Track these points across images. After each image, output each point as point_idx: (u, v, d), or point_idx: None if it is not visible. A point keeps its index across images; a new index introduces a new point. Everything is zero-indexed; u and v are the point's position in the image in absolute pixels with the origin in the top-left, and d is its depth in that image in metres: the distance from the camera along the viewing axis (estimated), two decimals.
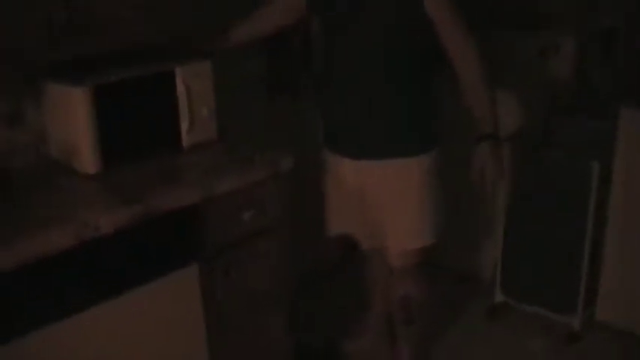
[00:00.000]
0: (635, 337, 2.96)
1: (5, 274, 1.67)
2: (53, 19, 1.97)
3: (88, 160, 2.09)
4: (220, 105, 2.44)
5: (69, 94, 2.07)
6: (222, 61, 2.68)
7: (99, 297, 1.88)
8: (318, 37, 2.87)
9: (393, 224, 2.43)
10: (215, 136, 2.35)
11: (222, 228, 2.13)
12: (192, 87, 2.25)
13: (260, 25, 2.53)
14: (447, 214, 2.48)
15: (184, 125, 2.26)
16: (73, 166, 2.14)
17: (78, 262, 1.83)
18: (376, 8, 2.20)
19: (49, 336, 1.79)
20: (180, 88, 2.22)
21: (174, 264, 2.04)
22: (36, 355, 1.78)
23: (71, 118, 2.09)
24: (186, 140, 2.28)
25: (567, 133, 3.11)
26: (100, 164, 2.10)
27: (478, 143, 2.27)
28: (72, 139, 2.11)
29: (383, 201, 2.40)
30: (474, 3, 2.80)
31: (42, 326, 1.77)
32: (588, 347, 2.99)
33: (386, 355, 2.86)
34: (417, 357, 2.77)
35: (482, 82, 2.25)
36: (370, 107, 2.30)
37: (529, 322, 3.12)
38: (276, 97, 3.08)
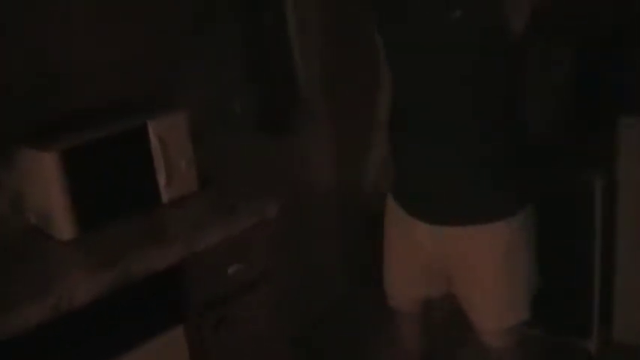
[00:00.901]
0: None
1: None
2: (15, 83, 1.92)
3: (62, 226, 2.03)
4: (208, 147, 2.39)
5: (39, 160, 2.01)
6: (208, 99, 2.64)
7: None
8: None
9: (476, 300, 2.06)
10: (195, 187, 2.28)
11: (207, 284, 2.06)
12: (167, 140, 2.18)
13: None
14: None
15: (162, 180, 2.19)
16: (50, 232, 2.07)
17: (56, 334, 1.75)
18: (460, 32, 1.79)
19: None
20: (154, 142, 2.15)
21: (158, 327, 1.97)
22: None
23: (43, 184, 2.03)
24: (165, 195, 2.21)
25: (568, 147, 3.01)
26: (75, 229, 2.03)
27: None
28: (46, 205, 2.05)
29: (465, 274, 2.04)
30: None
31: None
32: None
33: None
34: None
35: None
36: (454, 158, 1.90)
37: (545, 348, 3.01)
38: (266, 134, 3.01)
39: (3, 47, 2.06)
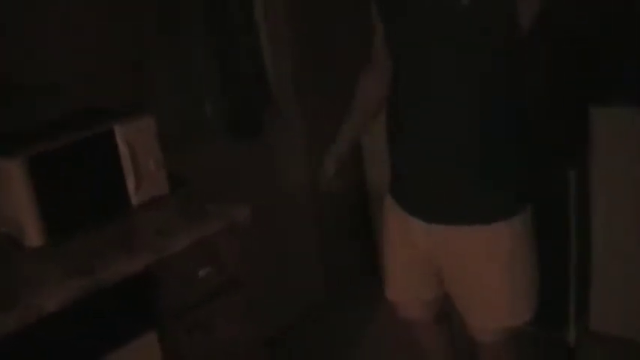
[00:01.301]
0: (633, 343, 2.85)
1: None
2: None
3: (31, 234, 2.00)
4: (178, 151, 2.38)
5: (5, 167, 1.98)
6: (178, 105, 2.63)
7: None
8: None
9: (475, 300, 2.03)
10: (166, 190, 2.26)
11: (179, 289, 2.04)
12: (135, 144, 2.16)
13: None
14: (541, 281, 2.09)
15: (131, 184, 2.17)
16: (19, 240, 2.05)
17: (27, 343, 1.73)
18: (469, 20, 1.72)
19: None
20: (122, 147, 2.14)
21: (131, 333, 1.94)
22: None
23: (10, 192, 2.00)
24: (135, 199, 2.19)
25: (541, 139, 3.02)
26: (44, 236, 2.01)
27: None
28: (14, 213, 2.02)
29: (463, 274, 2.01)
30: None
31: None
32: None
33: None
34: None
35: None
36: (455, 157, 1.85)
37: (523, 340, 3.01)
38: (237, 136, 3.00)
39: None
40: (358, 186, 3.40)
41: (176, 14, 2.67)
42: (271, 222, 2.88)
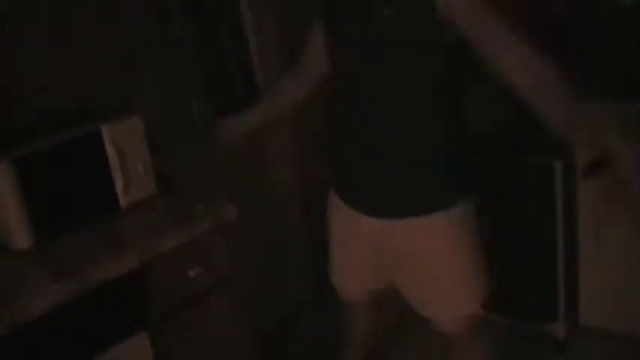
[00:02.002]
0: (622, 337, 2.86)
1: None
2: None
3: (18, 236, 1.99)
4: (165, 150, 2.37)
5: None
6: (165, 105, 2.62)
7: None
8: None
9: (425, 291, 2.07)
10: (154, 191, 2.26)
11: (168, 289, 2.03)
12: (123, 144, 2.15)
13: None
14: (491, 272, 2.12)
15: (119, 185, 2.17)
16: (6, 243, 2.04)
17: (16, 346, 1.72)
18: (395, 29, 1.80)
19: None
20: (110, 148, 2.13)
21: (121, 334, 1.94)
22: None
23: None
24: (123, 200, 2.18)
25: (527, 132, 3.03)
26: (32, 238, 2.00)
27: (587, 177, 1.84)
28: (0, 215, 2.01)
29: (411, 266, 2.04)
30: None
31: None
32: (575, 354, 2.90)
33: None
34: None
35: (556, 85, 1.69)
36: (399, 150, 1.91)
37: (512, 335, 3.03)
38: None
39: None
40: None
41: (163, 14, 2.65)
42: (260, 221, 2.87)
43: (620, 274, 2.82)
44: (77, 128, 2.11)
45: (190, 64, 2.82)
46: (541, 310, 2.94)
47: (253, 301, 2.31)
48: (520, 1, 2.96)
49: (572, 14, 3.05)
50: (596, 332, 2.92)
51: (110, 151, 2.13)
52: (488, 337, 2.27)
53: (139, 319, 1.98)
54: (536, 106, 1.71)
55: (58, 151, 2.04)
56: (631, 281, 2.80)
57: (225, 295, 2.18)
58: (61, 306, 1.78)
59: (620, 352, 2.83)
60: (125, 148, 2.16)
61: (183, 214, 2.13)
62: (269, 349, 2.86)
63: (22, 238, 1.99)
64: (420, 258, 2.00)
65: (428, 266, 2.01)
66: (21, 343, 1.73)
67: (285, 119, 2.29)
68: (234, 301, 2.22)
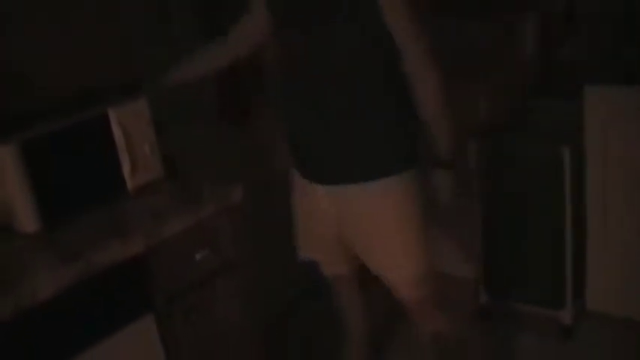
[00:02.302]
0: (629, 322, 2.86)
1: None
2: None
3: (25, 220, 1.99)
4: (172, 136, 2.36)
5: None
6: (170, 90, 2.60)
7: None
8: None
9: (379, 253, 2.23)
10: (160, 174, 2.25)
11: (175, 272, 2.03)
12: (129, 128, 2.14)
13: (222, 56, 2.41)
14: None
15: (126, 168, 2.16)
16: (13, 226, 2.03)
17: (23, 329, 1.71)
18: (340, 20, 1.99)
19: None
20: (117, 131, 2.12)
21: (127, 317, 1.93)
22: None
23: (3, 178, 1.98)
24: (130, 183, 2.18)
25: (535, 119, 3.01)
26: (39, 222, 1.99)
27: (433, 167, 2.19)
28: (7, 199, 2.00)
29: (366, 229, 2.19)
30: None
31: None
32: (582, 339, 2.90)
33: None
34: None
35: (441, 102, 2.08)
36: (340, 125, 2.09)
37: (520, 320, 3.03)
38: (227, 122, 2.98)
39: None
40: None
41: (163, 14, 2.64)
42: (265, 207, 2.87)
43: (628, 260, 2.82)
44: (84, 111, 2.10)
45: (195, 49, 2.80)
46: (548, 296, 2.93)
47: (258, 286, 2.30)
48: None
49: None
50: (603, 318, 2.92)
51: (117, 134, 2.13)
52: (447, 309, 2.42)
53: (145, 302, 1.97)
54: (417, 96, 2.07)
55: (64, 135, 2.03)
56: (638, 268, 2.79)
57: (231, 279, 2.18)
58: (67, 290, 1.77)
59: (626, 337, 2.83)
60: (132, 131, 2.15)
61: (190, 197, 2.13)
62: (273, 333, 2.87)
63: (28, 222, 1.99)
64: (368, 222, 2.17)
65: (376, 230, 2.18)
66: (27, 327, 1.72)
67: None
68: (240, 284, 2.21)
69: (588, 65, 2.93)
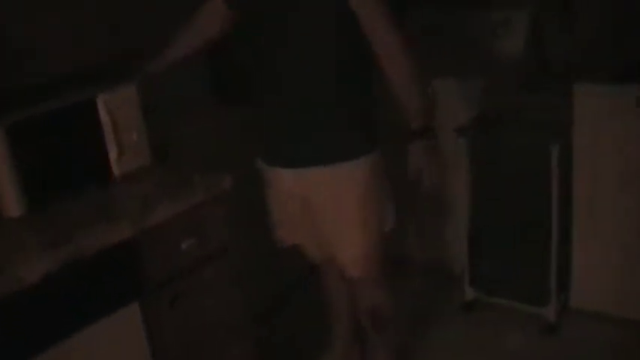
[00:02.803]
0: (612, 318, 2.88)
1: None
2: None
3: (11, 203, 1.96)
4: (162, 120, 2.34)
5: None
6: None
7: (33, 349, 1.75)
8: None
9: (338, 233, 2.33)
10: (148, 161, 2.23)
11: (161, 259, 2.01)
12: (117, 113, 2.12)
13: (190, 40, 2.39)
14: (396, 215, 2.40)
15: (113, 154, 2.14)
16: None
17: (7, 314, 1.69)
18: (305, 7, 2.08)
19: None
20: (104, 116, 2.10)
21: (112, 305, 1.92)
22: None
23: None
24: (117, 169, 2.16)
25: (524, 114, 3.01)
26: (24, 206, 1.97)
27: (410, 141, 2.20)
28: None
29: (326, 210, 2.30)
30: None
31: None
32: (566, 335, 2.91)
33: None
34: None
35: (409, 75, 2.13)
36: (305, 110, 2.18)
37: (504, 315, 3.04)
38: (223, 105, 2.96)
39: None
40: None
41: None
42: (255, 193, 2.85)
43: (612, 258, 2.83)
44: (72, 95, 2.08)
45: None
46: (533, 293, 2.94)
47: (246, 275, 2.29)
48: None
49: None
50: (587, 315, 2.94)
51: (104, 120, 2.11)
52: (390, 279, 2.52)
53: (131, 289, 1.96)
54: (391, 84, 2.13)
55: (51, 118, 2.01)
56: (623, 265, 2.81)
57: (219, 268, 2.16)
58: (52, 275, 1.75)
59: (609, 334, 2.85)
60: (120, 117, 2.13)
61: (178, 184, 2.11)
62: (261, 322, 2.86)
63: (14, 206, 1.96)
64: (328, 204, 2.27)
65: (334, 211, 2.27)
66: (12, 311, 1.70)
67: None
68: (228, 273, 2.20)
69: (580, 62, 2.93)
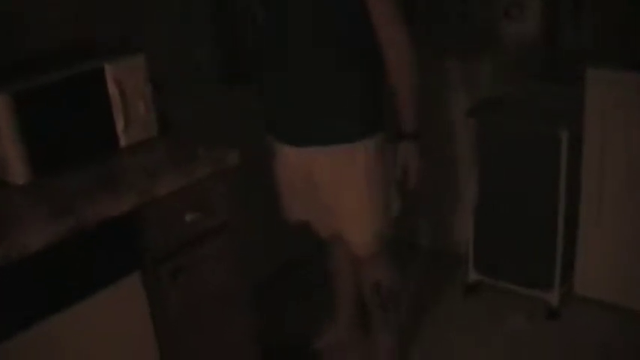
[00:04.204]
0: (615, 307, 2.87)
1: None
2: None
3: (16, 171, 1.96)
4: (169, 95, 2.33)
5: None
6: (170, 49, 2.58)
7: (36, 316, 1.75)
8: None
9: (343, 213, 2.36)
10: (155, 132, 2.22)
11: (165, 232, 2.01)
12: (125, 83, 2.11)
13: None
14: (400, 200, 2.42)
15: (120, 125, 2.13)
16: (4, 177, 2.01)
17: (9, 282, 1.69)
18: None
19: None
20: (112, 86, 2.09)
21: (115, 274, 1.92)
22: None
23: None
24: (123, 140, 2.15)
25: (535, 100, 2.99)
26: (30, 174, 1.97)
27: (400, 141, 2.26)
28: None
29: (331, 189, 2.33)
30: None
31: None
32: (568, 322, 2.91)
33: (358, 346, 2.78)
34: (398, 342, 2.71)
35: (409, 70, 2.19)
36: (311, 90, 2.21)
37: (507, 299, 3.04)
38: (228, 84, 2.95)
39: None
40: None
41: None
42: (261, 170, 2.85)
43: (618, 246, 2.82)
44: (79, 65, 2.06)
45: (199, 12, 2.77)
46: (537, 277, 2.93)
47: (249, 249, 2.29)
48: None
49: None
50: (591, 301, 2.93)
51: (112, 90, 2.09)
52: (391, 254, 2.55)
53: (133, 260, 1.96)
54: (390, 76, 2.18)
55: (59, 88, 1.99)
56: (629, 253, 2.80)
57: (221, 241, 2.16)
58: (56, 243, 1.75)
59: (611, 322, 2.85)
60: (127, 87, 2.12)
61: (184, 157, 2.10)
62: (262, 296, 2.87)
63: (19, 174, 1.96)
64: (332, 184, 2.30)
65: (338, 192, 2.30)
66: (14, 279, 1.71)
67: None
68: (231, 247, 2.20)
69: (593, 49, 2.90)
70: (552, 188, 2.78)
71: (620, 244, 2.80)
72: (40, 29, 2.18)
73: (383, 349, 2.68)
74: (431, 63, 3.10)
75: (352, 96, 2.22)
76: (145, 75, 2.16)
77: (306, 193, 2.40)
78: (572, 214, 2.85)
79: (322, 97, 2.20)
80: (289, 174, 2.40)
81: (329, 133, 2.24)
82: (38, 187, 1.97)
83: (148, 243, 1.98)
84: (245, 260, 2.25)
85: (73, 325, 1.84)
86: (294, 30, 2.17)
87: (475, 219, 3.03)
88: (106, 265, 1.90)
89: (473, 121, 2.92)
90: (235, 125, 2.76)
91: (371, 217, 2.35)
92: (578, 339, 2.79)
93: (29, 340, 1.75)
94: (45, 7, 2.19)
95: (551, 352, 2.77)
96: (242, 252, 2.24)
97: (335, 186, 2.31)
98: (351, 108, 2.22)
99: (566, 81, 2.93)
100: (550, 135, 2.74)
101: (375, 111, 2.28)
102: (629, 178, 2.72)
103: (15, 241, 1.68)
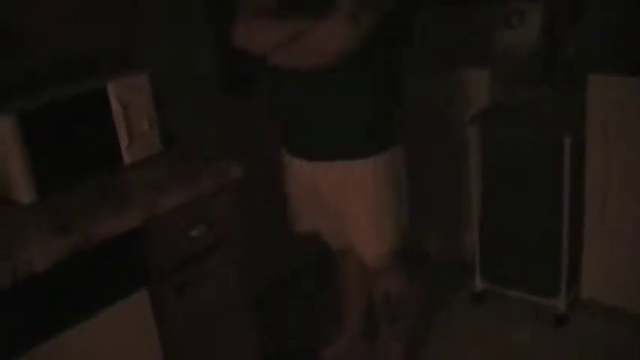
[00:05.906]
0: (622, 312, 2.87)
1: None
2: None
3: (21, 190, 1.98)
4: (170, 108, 2.35)
5: None
6: (172, 61, 2.60)
7: (43, 334, 1.77)
8: None
9: (356, 226, 2.36)
10: (158, 148, 2.25)
11: (170, 247, 2.03)
12: (128, 101, 2.14)
13: None
14: (410, 214, 2.45)
15: (123, 142, 2.15)
16: (9, 196, 2.03)
17: (16, 301, 1.71)
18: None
19: None
20: (115, 104, 2.11)
21: (121, 291, 1.93)
22: None
23: (1, 147, 1.98)
24: (127, 158, 2.17)
25: (537, 107, 3.00)
26: (35, 192, 1.99)
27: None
28: (5, 169, 2.00)
29: (340, 204, 2.34)
30: None
31: None
32: (576, 328, 2.91)
33: (366, 356, 2.78)
34: (406, 352, 2.72)
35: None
36: (322, 106, 2.22)
37: (514, 307, 3.04)
38: (229, 95, 2.96)
39: None
40: None
41: None
42: (262, 181, 2.86)
43: (623, 251, 2.81)
44: (83, 83, 2.09)
45: (199, 22, 2.79)
46: (543, 284, 2.93)
47: (252, 263, 2.31)
48: None
49: None
50: (597, 307, 2.93)
51: (115, 108, 2.12)
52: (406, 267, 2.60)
53: (139, 276, 1.97)
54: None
55: (63, 106, 2.02)
56: (635, 259, 2.79)
57: (226, 255, 2.18)
58: (62, 261, 1.77)
59: (618, 327, 2.84)
60: (131, 105, 2.14)
61: (188, 173, 2.12)
62: (267, 310, 2.87)
63: (25, 193, 1.98)
64: (344, 199, 2.30)
65: (351, 207, 2.31)
66: (21, 297, 1.72)
67: None
68: (235, 261, 2.21)
69: (594, 54, 2.91)
70: (556, 194, 2.78)
71: (626, 249, 2.80)
72: (41, 42, 2.20)
73: (391, 359, 2.69)
74: (432, 72, 3.13)
75: (365, 113, 2.23)
76: (149, 93, 2.19)
77: (317, 206, 2.41)
78: (576, 219, 2.85)
79: (336, 115, 2.22)
80: (301, 187, 2.42)
81: (342, 148, 2.26)
82: (44, 206, 1.99)
83: (153, 258, 1.99)
84: (247, 270, 2.26)
85: (80, 343, 1.86)
86: None
87: (480, 227, 3.04)
88: (112, 281, 1.92)
89: (475, 129, 2.93)
90: (237, 136, 2.78)
91: (384, 231, 2.36)
92: (587, 344, 2.79)
93: (37, 358, 1.76)
94: (44, 11, 2.20)
95: (559, 358, 2.76)
96: (244, 261, 2.25)
97: (343, 202, 2.32)
98: (364, 125, 2.24)
99: (567, 87, 2.93)
100: (553, 141, 2.74)
101: (389, 126, 2.30)
102: (633, 183, 2.72)
103: (21, 259, 1.70)
